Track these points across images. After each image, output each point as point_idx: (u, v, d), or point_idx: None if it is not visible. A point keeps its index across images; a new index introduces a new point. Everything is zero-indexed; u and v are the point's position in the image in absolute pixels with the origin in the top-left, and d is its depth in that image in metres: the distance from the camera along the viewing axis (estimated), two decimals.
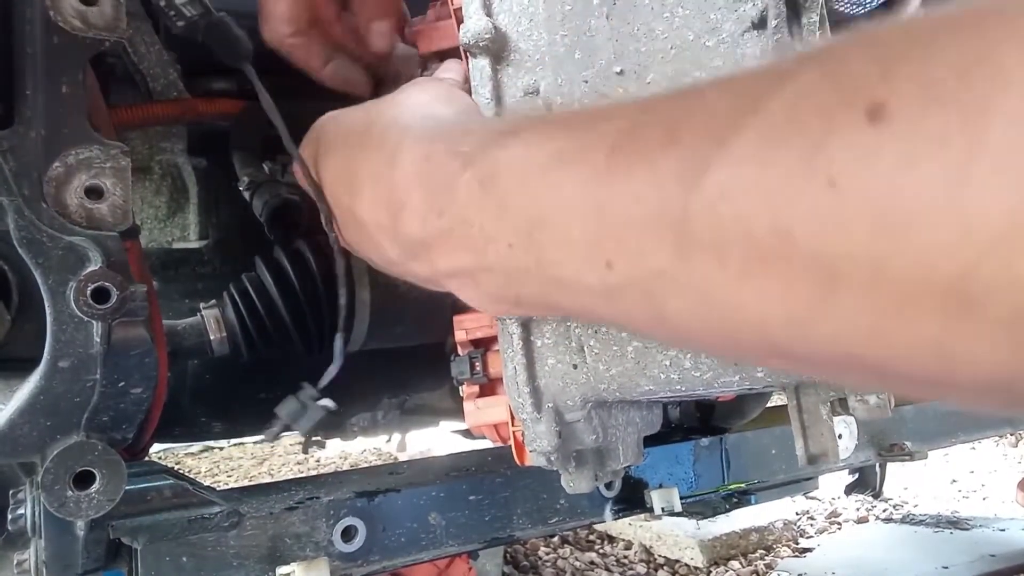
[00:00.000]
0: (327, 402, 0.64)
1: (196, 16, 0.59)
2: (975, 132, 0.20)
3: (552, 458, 0.55)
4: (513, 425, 0.58)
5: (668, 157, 0.29)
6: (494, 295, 0.45)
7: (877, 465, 2.21)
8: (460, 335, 0.60)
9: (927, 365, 0.25)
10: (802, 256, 0.25)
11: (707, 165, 0.27)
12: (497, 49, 0.56)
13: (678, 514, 0.95)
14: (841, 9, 0.86)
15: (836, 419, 0.56)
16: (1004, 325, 0.21)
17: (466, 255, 0.42)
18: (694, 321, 0.32)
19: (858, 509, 2.22)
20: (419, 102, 0.53)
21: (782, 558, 1.87)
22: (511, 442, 0.59)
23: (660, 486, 0.91)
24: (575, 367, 0.53)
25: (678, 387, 0.51)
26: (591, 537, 2.04)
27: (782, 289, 0.26)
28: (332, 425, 1.23)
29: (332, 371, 0.64)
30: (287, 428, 0.64)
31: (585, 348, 0.52)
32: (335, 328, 0.86)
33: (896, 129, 0.22)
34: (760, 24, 0.48)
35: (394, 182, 0.47)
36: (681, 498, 0.91)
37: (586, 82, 0.53)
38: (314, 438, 1.36)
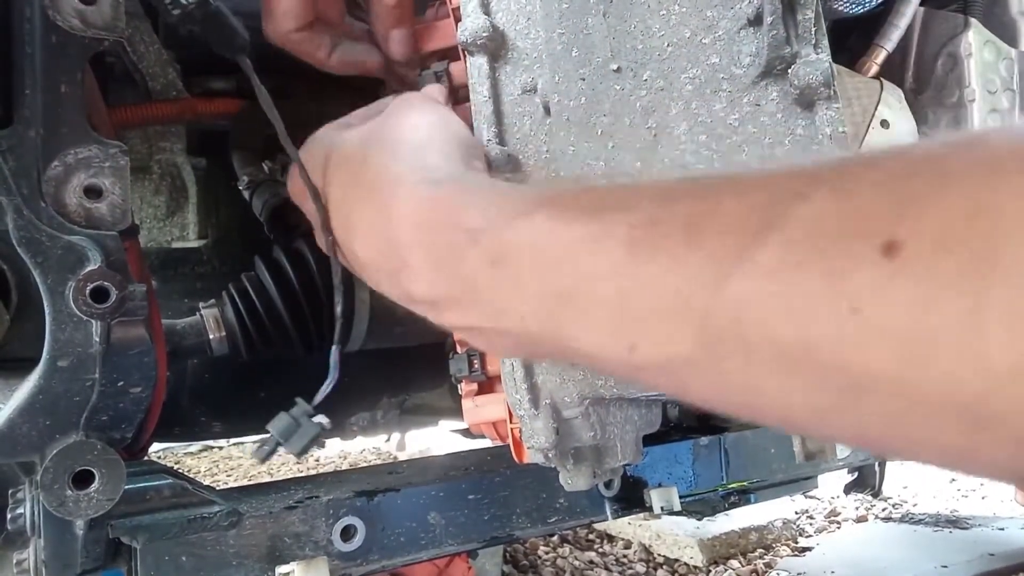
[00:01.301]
0: (322, 419, 0.61)
1: (192, 5, 0.58)
2: (983, 279, 0.23)
3: (550, 455, 0.55)
4: (511, 422, 0.58)
5: (690, 259, 0.31)
6: (506, 350, 0.47)
7: (876, 464, 2.21)
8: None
9: (947, 461, 0.29)
10: (827, 367, 0.27)
11: (729, 273, 0.29)
12: (495, 47, 0.56)
13: (677, 513, 0.95)
14: (840, 8, 0.86)
15: None
16: (1015, 444, 0.24)
17: (477, 318, 0.43)
18: (717, 398, 0.35)
19: (857, 508, 2.22)
20: (411, 141, 0.52)
21: (781, 557, 1.87)
22: (509, 440, 0.59)
23: (659, 485, 0.91)
24: (572, 364, 0.53)
25: None
26: (590, 536, 2.04)
27: (807, 389, 0.29)
28: (332, 425, 1.23)
29: (327, 386, 0.62)
30: (279, 445, 0.61)
31: None
32: (335, 326, 0.86)
33: (912, 268, 0.24)
34: (756, 21, 0.48)
35: (392, 238, 0.47)
36: (680, 497, 0.91)
37: (583, 79, 0.53)
38: None
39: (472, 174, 0.49)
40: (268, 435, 0.61)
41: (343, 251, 0.55)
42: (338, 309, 0.66)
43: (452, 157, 0.50)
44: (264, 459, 0.61)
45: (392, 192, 0.48)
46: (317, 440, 0.61)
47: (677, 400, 1.03)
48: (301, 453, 0.61)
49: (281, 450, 0.61)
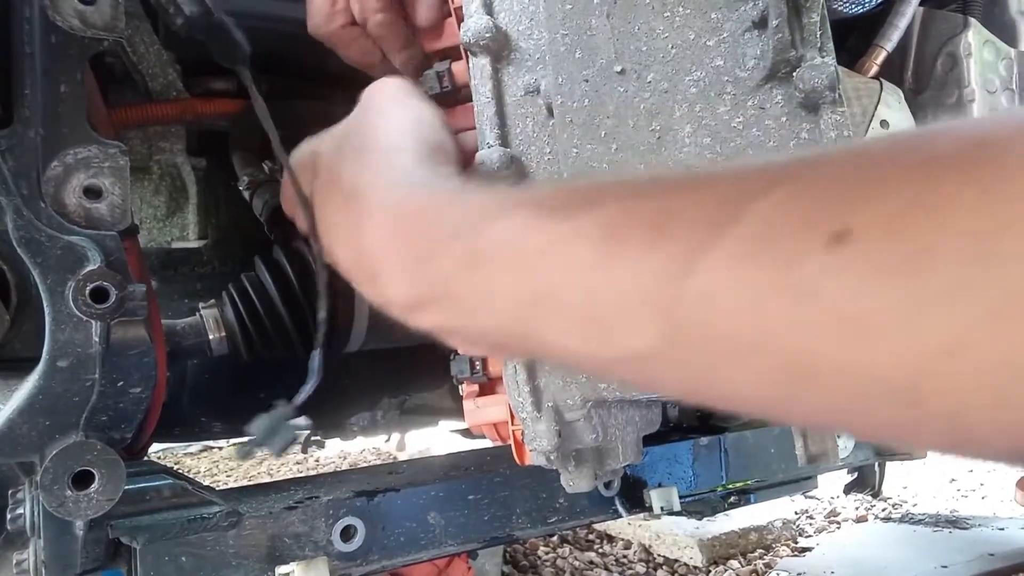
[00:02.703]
0: (302, 421, 0.61)
1: (196, 15, 0.58)
2: (921, 266, 0.25)
3: (552, 457, 0.55)
4: (513, 424, 0.58)
5: (654, 255, 0.33)
6: (483, 347, 0.48)
7: (876, 464, 2.21)
8: None
9: (887, 436, 0.32)
10: (779, 353, 0.29)
11: (690, 268, 0.31)
12: (497, 48, 0.56)
13: (677, 513, 0.95)
14: (840, 8, 0.86)
15: None
16: (946, 418, 0.26)
17: (453, 319, 0.45)
18: (684, 389, 0.37)
19: (857, 508, 2.22)
20: (380, 147, 0.52)
21: (781, 557, 1.87)
22: (511, 441, 0.59)
23: (659, 485, 0.91)
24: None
25: None
26: (590, 537, 2.04)
27: (761, 378, 0.31)
28: (332, 425, 1.23)
29: (308, 389, 0.62)
30: (259, 446, 0.61)
31: None
32: (335, 327, 0.86)
33: (859, 256, 0.26)
34: (761, 24, 0.48)
35: (365, 248, 0.49)
36: (680, 497, 0.91)
37: (586, 81, 0.53)
38: (314, 438, 1.36)
39: (443, 179, 0.50)
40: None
41: (331, 257, 0.56)
42: (321, 315, 0.66)
43: (422, 159, 0.51)
44: (245, 458, 0.62)
45: (363, 202, 0.49)
46: (297, 441, 0.62)
47: (675, 400, 1.03)
48: (280, 453, 0.62)
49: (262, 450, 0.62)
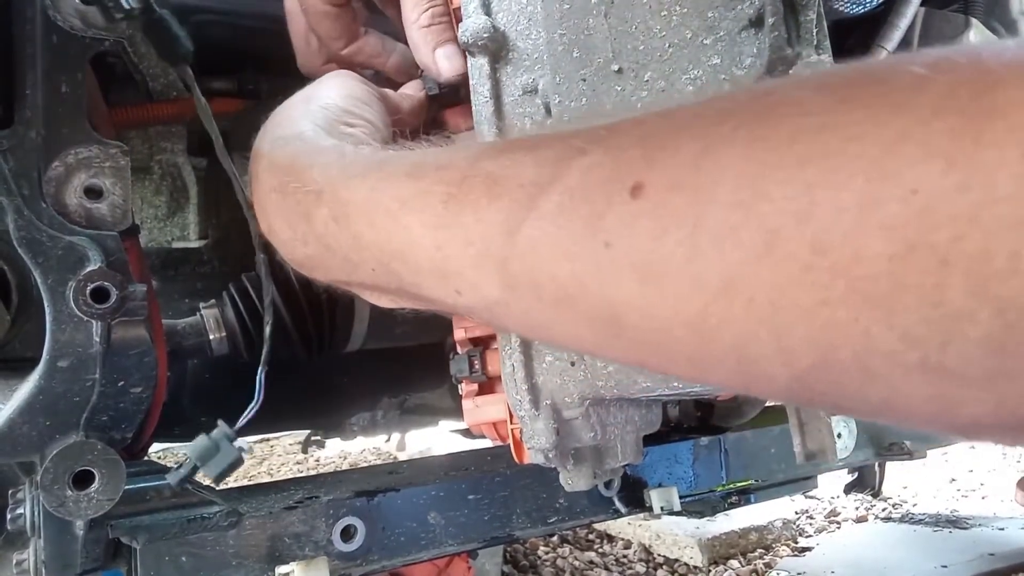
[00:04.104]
0: (242, 443, 0.59)
1: (136, 9, 0.56)
2: (698, 213, 0.27)
3: (550, 455, 0.55)
4: (512, 423, 0.58)
5: (490, 211, 0.35)
6: (378, 299, 0.50)
7: (876, 464, 2.21)
8: (459, 333, 0.60)
9: (692, 376, 0.34)
10: (594, 299, 0.31)
11: (521, 222, 0.33)
12: (496, 48, 0.56)
13: (677, 513, 0.95)
14: (840, 8, 0.86)
15: (835, 418, 0.56)
16: (733, 353, 0.28)
17: (338, 274, 0.48)
18: (527, 334, 0.41)
19: (857, 508, 2.22)
20: (287, 115, 0.54)
21: (781, 557, 1.87)
22: (510, 440, 0.59)
23: (659, 485, 0.91)
24: (573, 364, 0.53)
25: (676, 384, 0.51)
26: (590, 536, 2.04)
27: (581, 323, 0.33)
28: (332, 425, 1.23)
29: (251, 410, 0.61)
30: (196, 469, 0.59)
31: None
32: (335, 328, 0.86)
33: (651, 205, 0.29)
34: (757, 22, 0.48)
35: (261, 207, 0.51)
36: (680, 497, 0.91)
37: (584, 80, 0.53)
38: (314, 438, 1.36)
39: (323, 137, 0.50)
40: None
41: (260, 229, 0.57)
42: (267, 330, 0.65)
43: (318, 122, 0.52)
44: (179, 483, 0.60)
45: (256, 165, 0.51)
46: (237, 465, 0.60)
47: (677, 399, 1.03)
48: (219, 479, 0.60)
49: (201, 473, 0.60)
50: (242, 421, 0.61)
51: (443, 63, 0.60)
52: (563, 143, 0.34)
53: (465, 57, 0.60)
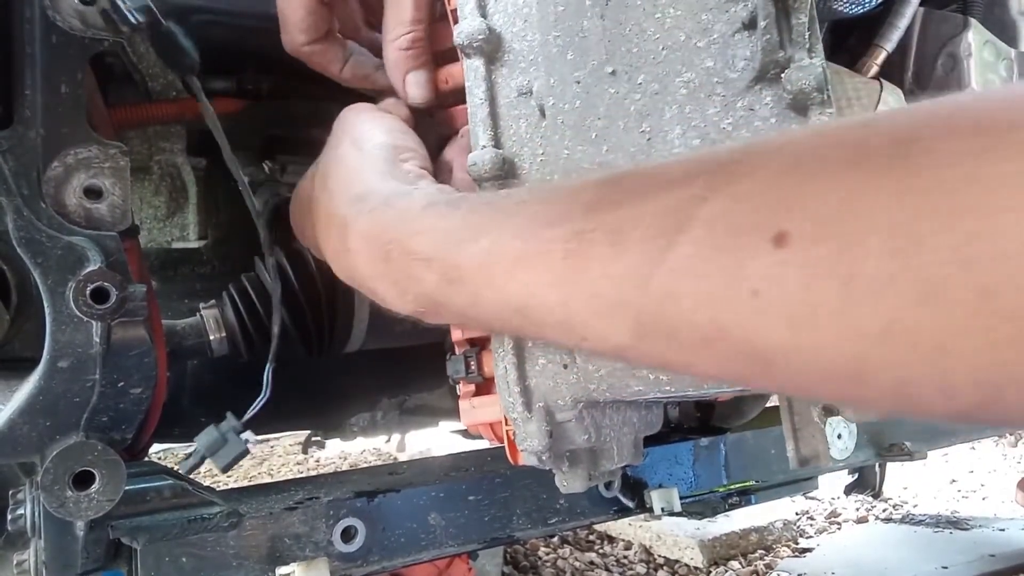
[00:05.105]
0: (249, 436, 0.62)
1: (143, 24, 0.57)
2: (851, 262, 0.28)
3: (543, 457, 0.55)
4: (507, 424, 0.58)
5: (617, 264, 0.36)
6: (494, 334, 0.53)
7: (877, 465, 2.21)
8: (456, 334, 0.60)
9: (839, 404, 0.37)
10: (738, 343, 0.32)
11: (651, 274, 0.35)
12: (491, 50, 0.56)
13: (678, 514, 0.95)
14: (840, 8, 0.86)
15: (836, 420, 0.56)
16: (890, 392, 0.29)
17: (453, 319, 0.51)
18: (665, 368, 0.44)
19: (858, 509, 2.21)
20: (342, 175, 0.56)
21: (782, 558, 1.87)
22: (505, 441, 0.59)
23: (660, 486, 0.91)
24: (565, 367, 0.53)
25: (667, 388, 0.51)
26: (591, 537, 2.04)
27: (724, 361, 0.34)
28: (332, 425, 1.23)
29: (258, 404, 0.63)
30: (204, 459, 0.62)
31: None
32: (335, 328, 0.86)
33: (797, 254, 0.29)
34: (750, 25, 0.48)
35: (354, 277, 0.53)
36: (681, 498, 0.91)
37: (578, 82, 0.53)
38: (314, 438, 1.36)
39: (405, 192, 0.52)
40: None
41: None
42: (275, 329, 0.67)
43: (383, 173, 0.54)
44: (190, 471, 0.63)
45: (338, 235, 0.53)
46: (243, 456, 0.62)
47: (675, 401, 1.03)
48: (226, 469, 0.62)
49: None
50: (250, 413, 0.62)
51: (412, 89, 0.62)
52: (678, 189, 0.35)
53: (434, 87, 0.62)
